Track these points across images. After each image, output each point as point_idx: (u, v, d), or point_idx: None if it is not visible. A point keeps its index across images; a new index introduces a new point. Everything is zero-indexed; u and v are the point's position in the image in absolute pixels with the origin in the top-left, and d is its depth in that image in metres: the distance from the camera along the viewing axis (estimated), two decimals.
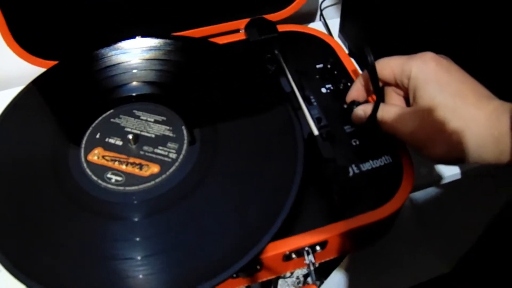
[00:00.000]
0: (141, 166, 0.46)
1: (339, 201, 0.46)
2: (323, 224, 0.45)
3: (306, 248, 0.45)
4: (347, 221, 0.45)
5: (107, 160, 0.47)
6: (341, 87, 0.54)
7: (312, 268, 0.46)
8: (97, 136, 0.49)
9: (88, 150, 0.48)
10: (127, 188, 0.45)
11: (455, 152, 0.41)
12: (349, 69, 0.57)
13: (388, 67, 0.46)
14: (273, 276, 0.49)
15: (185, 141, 0.48)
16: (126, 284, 0.40)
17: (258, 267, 0.45)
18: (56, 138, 0.50)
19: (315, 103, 0.53)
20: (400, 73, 0.45)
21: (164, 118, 0.50)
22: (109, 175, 0.46)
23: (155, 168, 0.46)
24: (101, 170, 0.46)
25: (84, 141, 0.49)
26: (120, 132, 0.49)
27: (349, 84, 0.55)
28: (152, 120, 0.50)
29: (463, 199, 0.87)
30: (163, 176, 0.45)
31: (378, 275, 0.99)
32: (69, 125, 0.51)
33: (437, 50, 0.45)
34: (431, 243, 1.04)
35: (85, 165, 0.47)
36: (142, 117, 0.50)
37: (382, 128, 0.47)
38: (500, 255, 1.13)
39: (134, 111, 0.51)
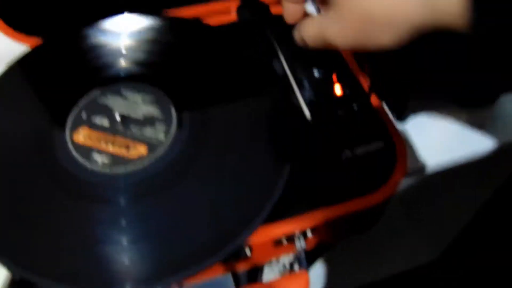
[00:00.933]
0: (128, 147, 0.45)
1: (331, 185, 0.45)
2: (315, 209, 0.44)
3: (297, 234, 0.44)
4: (339, 206, 0.44)
5: (93, 141, 0.45)
6: (334, 70, 0.53)
7: (303, 254, 0.45)
8: (83, 116, 0.47)
9: (73, 130, 0.46)
10: (114, 169, 0.43)
11: (404, 30, 0.35)
12: (343, 53, 0.56)
13: None
14: (263, 262, 0.49)
15: (174, 123, 0.47)
16: (112, 268, 0.39)
17: (248, 252, 0.44)
18: (40, 118, 0.48)
19: (307, 86, 0.52)
20: None
21: (153, 99, 0.49)
22: (95, 156, 0.44)
23: (142, 149, 0.45)
24: (87, 150, 0.45)
25: (69, 121, 0.47)
26: (107, 112, 0.48)
27: (342, 68, 0.54)
28: (140, 100, 0.48)
29: (450, 187, 0.87)
30: (151, 157, 0.44)
31: (363, 263, 0.99)
32: (54, 105, 0.49)
33: None
34: (416, 232, 1.04)
35: (70, 145, 0.45)
36: (129, 97, 0.49)
37: (312, 46, 0.43)
38: (485, 245, 1.14)
39: (122, 91, 0.49)
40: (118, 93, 0.49)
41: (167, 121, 0.47)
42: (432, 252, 1.01)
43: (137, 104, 0.48)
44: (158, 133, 0.46)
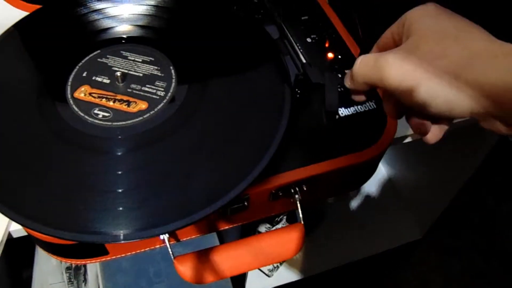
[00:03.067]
0: (128, 103, 0.46)
1: (325, 142, 0.47)
2: (309, 163, 0.46)
3: (293, 187, 0.46)
4: (333, 161, 0.46)
5: (94, 97, 0.47)
6: (326, 37, 0.55)
7: (299, 206, 0.47)
8: (84, 74, 0.49)
9: (74, 88, 0.47)
10: (115, 123, 0.45)
11: (455, 96, 0.31)
12: (334, 22, 0.58)
13: (387, 31, 0.39)
14: (261, 217, 0.50)
15: (173, 80, 0.48)
16: (107, 215, 0.39)
17: (246, 203, 0.46)
18: (42, 77, 0.49)
19: (301, 50, 0.53)
20: (396, 25, 0.37)
21: (152, 59, 0.50)
22: (96, 111, 0.45)
23: (143, 105, 0.46)
24: (88, 106, 0.46)
25: (70, 79, 0.48)
26: (108, 71, 0.49)
27: (334, 36, 0.56)
28: (140, 60, 0.50)
29: (436, 163, 0.90)
30: (151, 112, 0.45)
31: (350, 241, 1.01)
32: (55, 65, 0.50)
33: None
34: (402, 210, 1.06)
35: (71, 101, 0.46)
36: (129, 57, 0.50)
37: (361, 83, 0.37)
38: (470, 222, 1.17)
39: (122, 51, 0.51)
40: (119, 54, 0.50)
41: (166, 79, 0.48)
42: (420, 230, 1.04)
43: (137, 63, 0.49)
44: (157, 89, 0.47)
